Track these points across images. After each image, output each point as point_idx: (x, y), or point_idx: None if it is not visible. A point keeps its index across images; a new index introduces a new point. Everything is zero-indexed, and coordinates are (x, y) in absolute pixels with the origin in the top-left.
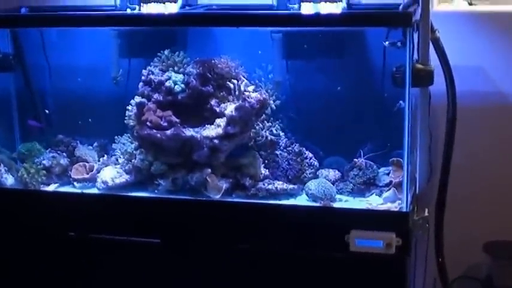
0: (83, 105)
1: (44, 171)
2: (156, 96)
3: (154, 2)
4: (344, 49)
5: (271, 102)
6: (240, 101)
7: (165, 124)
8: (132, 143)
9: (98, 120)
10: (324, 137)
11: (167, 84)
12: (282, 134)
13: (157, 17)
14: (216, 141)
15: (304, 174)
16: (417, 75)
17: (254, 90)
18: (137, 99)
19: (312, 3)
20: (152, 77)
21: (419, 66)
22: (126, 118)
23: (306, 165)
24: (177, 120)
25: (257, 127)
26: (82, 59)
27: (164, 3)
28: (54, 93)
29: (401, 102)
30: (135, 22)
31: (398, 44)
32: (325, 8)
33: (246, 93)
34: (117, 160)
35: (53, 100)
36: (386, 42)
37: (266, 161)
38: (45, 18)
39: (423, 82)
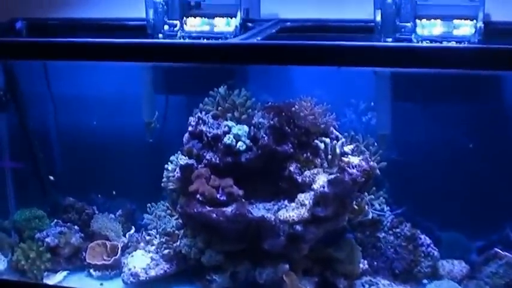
0: (101, 158)
1: (48, 255)
2: (209, 156)
3: (200, 16)
4: (476, 89)
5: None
6: (336, 171)
7: (224, 198)
8: (171, 216)
9: (122, 178)
10: (442, 209)
11: (226, 140)
12: (387, 209)
13: (214, 49)
14: (298, 227)
15: (419, 267)
16: None
17: (353, 152)
18: (182, 160)
19: (433, 20)
20: (203, 128)
21: None
22: (163, 180)
23: (422, 254)
24: (240, 192)
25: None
26: (99, 94)
27: (213, 18)
28: (61, 141)
29: None
30: (182, 56)
31: None
32: (456, 30)
33: (345, 159)
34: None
35: (60, 150)
36: None
37: (363, 247)
38: (49, 47)
39: None
